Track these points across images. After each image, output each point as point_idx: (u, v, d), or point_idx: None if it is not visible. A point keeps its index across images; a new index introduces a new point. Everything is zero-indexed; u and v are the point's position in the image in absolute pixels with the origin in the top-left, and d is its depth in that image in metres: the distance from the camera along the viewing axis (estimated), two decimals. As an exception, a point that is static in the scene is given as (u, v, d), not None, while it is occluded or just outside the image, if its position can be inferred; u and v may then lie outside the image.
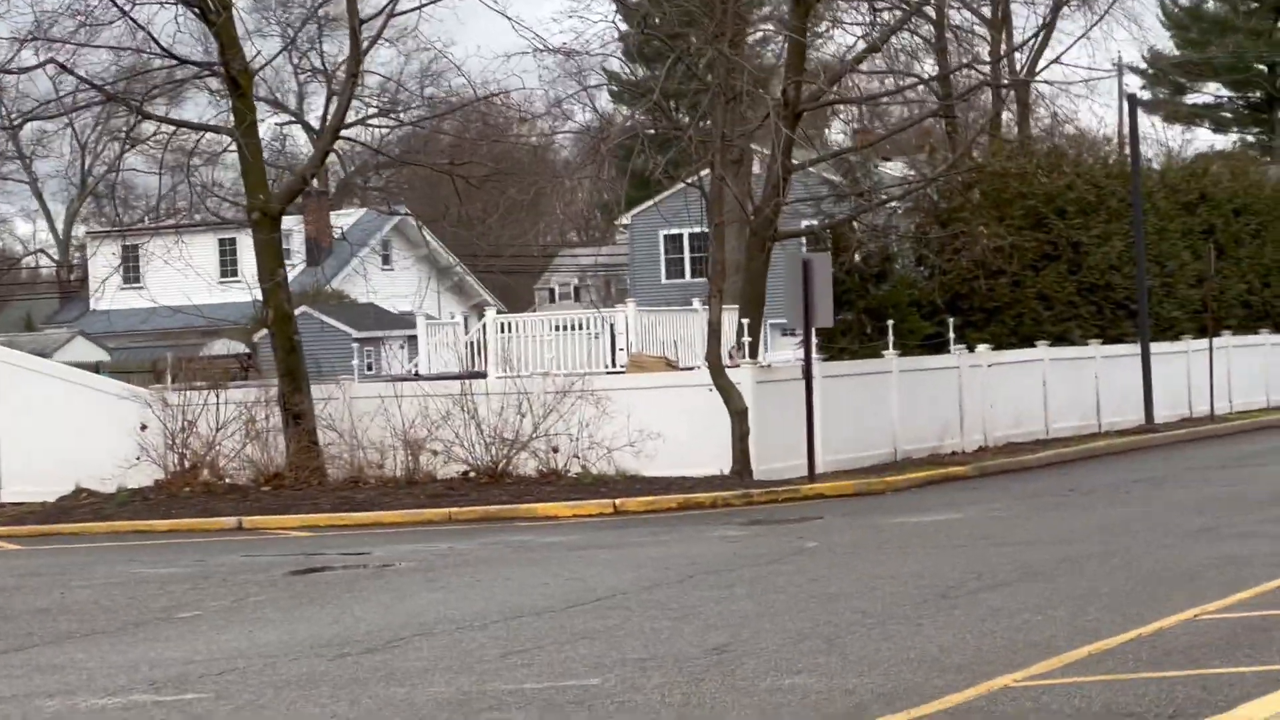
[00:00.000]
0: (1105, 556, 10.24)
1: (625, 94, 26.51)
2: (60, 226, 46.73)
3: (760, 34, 22.62)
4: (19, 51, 15.23)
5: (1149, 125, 34.54)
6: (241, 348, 27.89)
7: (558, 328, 18.77)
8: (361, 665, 6.96)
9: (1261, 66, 49.38)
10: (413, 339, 25.13)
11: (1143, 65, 46.89)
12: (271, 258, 15.77)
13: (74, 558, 13.84)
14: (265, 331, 19.08)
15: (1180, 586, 8.65)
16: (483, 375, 17.68)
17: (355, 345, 30.61)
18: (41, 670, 7.45)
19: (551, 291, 45.97)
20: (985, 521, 13.70)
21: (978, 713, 5.11)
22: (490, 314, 19.19)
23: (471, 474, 15.66)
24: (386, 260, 40.14)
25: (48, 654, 8.14)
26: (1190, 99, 51.03)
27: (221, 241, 37.47)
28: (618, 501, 14.26)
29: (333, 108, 19.82)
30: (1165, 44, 49.07)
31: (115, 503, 15.37)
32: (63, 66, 14.44)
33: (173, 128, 16.68)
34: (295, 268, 30.82)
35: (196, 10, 14.77)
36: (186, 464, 15.76)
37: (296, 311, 17.94)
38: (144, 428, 15.73)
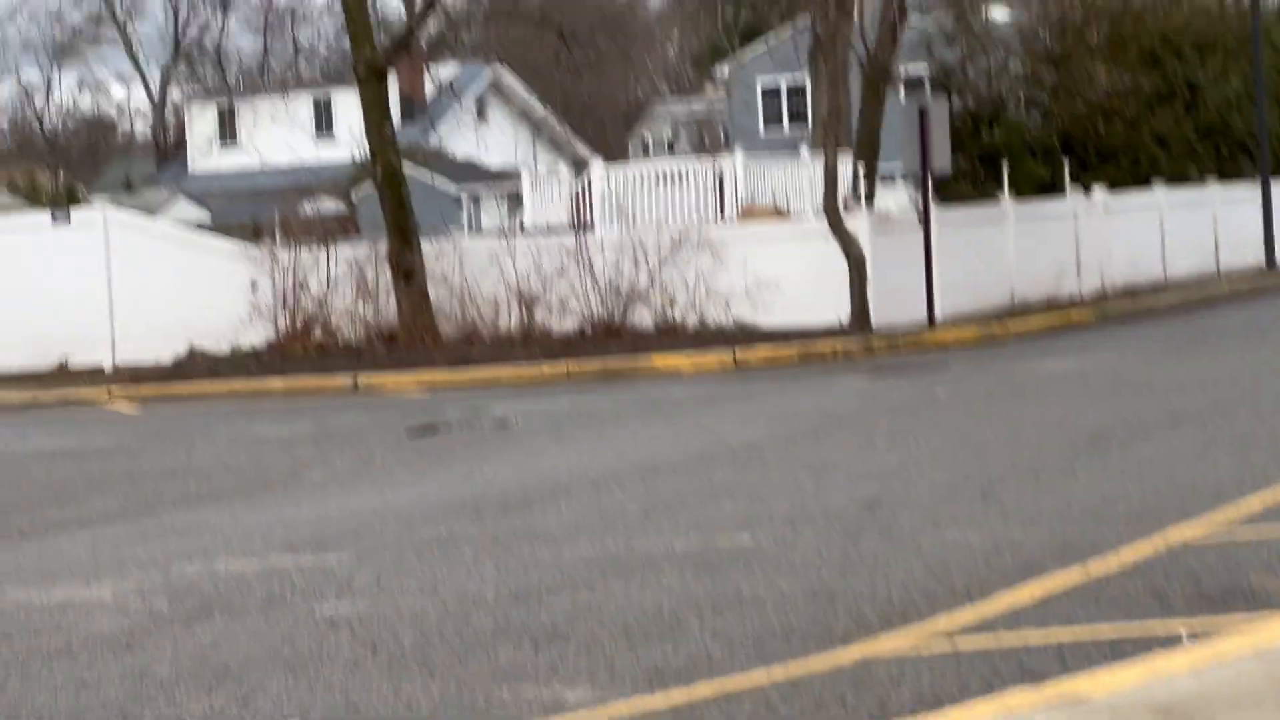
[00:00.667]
0: (1254, 401, 9.60)
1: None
2: (155, 89, 46.67)
3: None
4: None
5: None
6: (340, 207, 27.61)
7: (664, 178, 18.06)
8: (500, 525, 6.64)
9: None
10: (513, 195, 24.33)
11: None
12: (379, 113, 15.31)
13: (194, 419, 13.45)
14: (364, 190, 18.75)
15: None
16: (590, 228, 17.12)
17: (459, 200, 29.37)
18: (177, 532, 7.16)
19: (645, 145, 44.58)
20: (1120, 367, 13.05)
21: (1158, 569, 4.75)
22: (597, 165, 18.16)
23: (587, 328, 15.26)
24: (482, 115, 38.39)
25: (180, 516, 7.79)
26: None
27: (316, 101, 36.53)
28: (738, 353, 13.81)
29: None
30: None
31: (230, 363, 15.04)
32: None
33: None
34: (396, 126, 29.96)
35: None
36: (299, 323, 15.36)
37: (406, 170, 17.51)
38: (255, 286, 15.25)
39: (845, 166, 15.59)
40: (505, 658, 4.15)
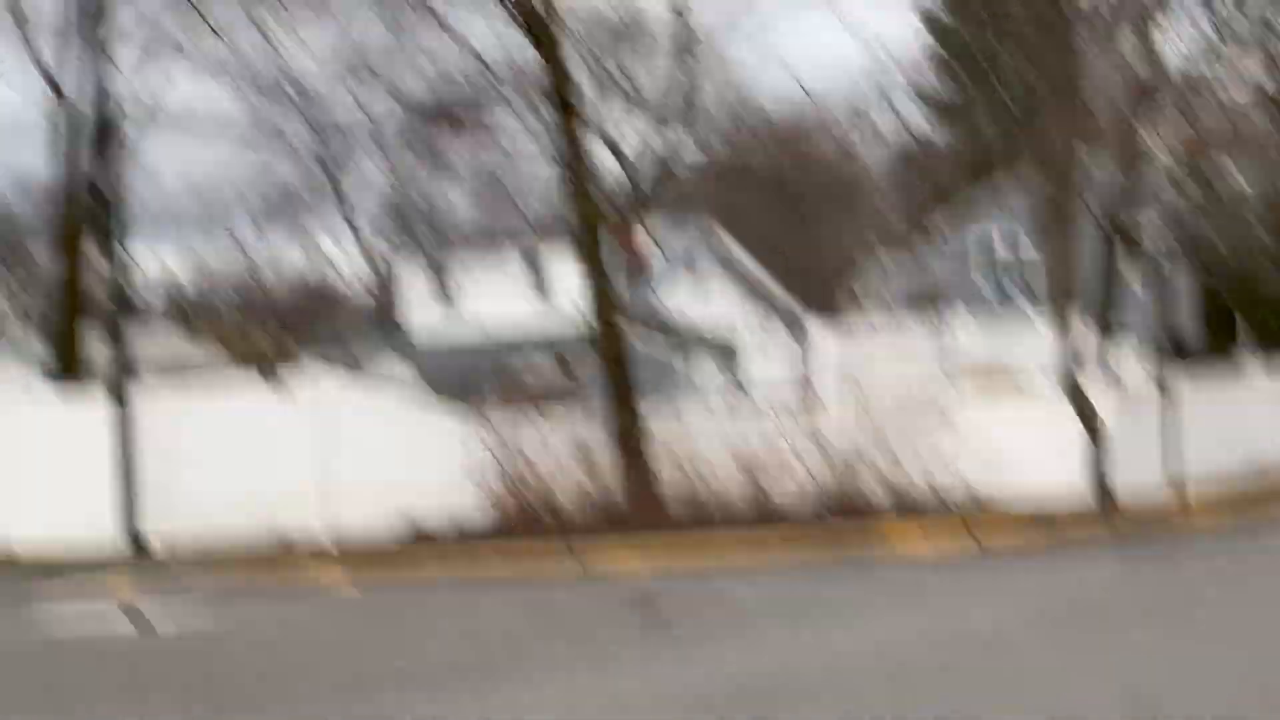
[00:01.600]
0: None
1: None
2: (367, 248, 48.04)
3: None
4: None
5: None
6: (557, 370, 27.57)
7: (889, 345, 18.10)
8: None
9: None
10: (725, 349, 25.00)
11: None
12: (602, 276, 15.02)
13: (407, 596, 12.94)
14: (580, 349, 18.27)
15: None
16: (814, 394, 17.00)
17: (677, 364, 28.62)
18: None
19: (858, 298, 43.58)
20: None
21: None
22: (820, 331, 18.49)
23: (814, 500, 14.30)
24: (695, 275, 36.98)
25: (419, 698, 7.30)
26: None
27: (532, 261, 34.77)
28: (977, 530, 13.10)
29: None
30: None
31: (448, 541, 14.51)
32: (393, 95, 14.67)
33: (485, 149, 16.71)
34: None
35: (533, 39, 14.68)
36: (520, 493, 14.60)
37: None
38: (475, 460, 14.55)
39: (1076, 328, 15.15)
40: None
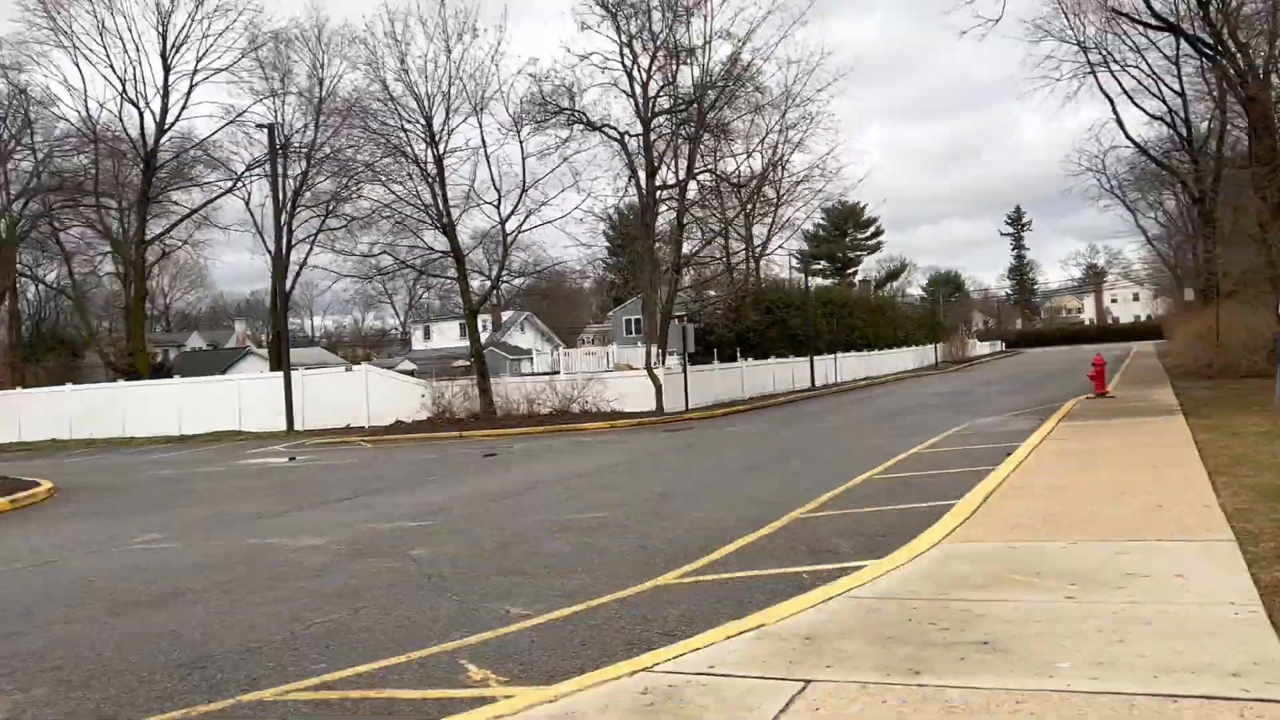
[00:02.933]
0: (826, 445, 18.56)
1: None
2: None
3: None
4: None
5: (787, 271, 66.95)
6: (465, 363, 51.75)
7: (587, 353, 40.08)
8: (508, 503, 12.51)
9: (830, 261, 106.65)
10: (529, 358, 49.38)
11: (803, 246, 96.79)
12: (475, 329, 34.47)
13: (393, 452, 24.41)
14: (471, 358, 40.04)
15: (857, 462, 15.08)
16: (557, 373, 37.66)
17: (512, 363, 55.20)
18: (365, 508, 13.31)
19: (582, 339, 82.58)
20: (763, 431, 23.49)
21: (785, 533, 9.48)
22: (561, 350, 40.57)
23: (554, 412, 32.84)
24: (521, 328, 79.04)
25: (370, 499, 14.64)
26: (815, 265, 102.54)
27: (460, 322, 69.09)
28: (614, 421, 29.41)
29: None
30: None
31: (411, 426, 33.20)
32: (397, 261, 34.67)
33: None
34: (485, 330, 63.50)
35: (439, 225, 34.22)
36: (439, 410, 33.57)
37: (486, 349, 37.95)
38: (423, 396, 33.93)
39: (653, 350, 36.03)
40: (490, 584, 8.04)
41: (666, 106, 35.51)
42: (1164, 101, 49.19)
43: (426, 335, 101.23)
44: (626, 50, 34.36)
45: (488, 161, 32.77)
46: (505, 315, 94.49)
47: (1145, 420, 19.15)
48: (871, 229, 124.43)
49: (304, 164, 45.25)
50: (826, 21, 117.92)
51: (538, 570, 9.02)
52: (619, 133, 35.00)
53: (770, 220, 62.52)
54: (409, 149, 33.24)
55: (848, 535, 9.84)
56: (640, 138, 34.89)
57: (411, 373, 46.56)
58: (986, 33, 39.89)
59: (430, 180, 33.01)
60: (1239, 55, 34.08)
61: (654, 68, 34.85)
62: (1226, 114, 43.71)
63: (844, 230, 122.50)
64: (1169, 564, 7.66)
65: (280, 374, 36.73)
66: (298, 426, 36.29)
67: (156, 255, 56.97)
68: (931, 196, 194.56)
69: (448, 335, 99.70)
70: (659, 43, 34.39)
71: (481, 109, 32.11)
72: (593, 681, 5.88)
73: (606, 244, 46.32)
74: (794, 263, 61.90)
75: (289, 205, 47.17)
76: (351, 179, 39.49)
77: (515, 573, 8.93)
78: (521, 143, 32.39)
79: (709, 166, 39.21)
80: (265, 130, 37.24)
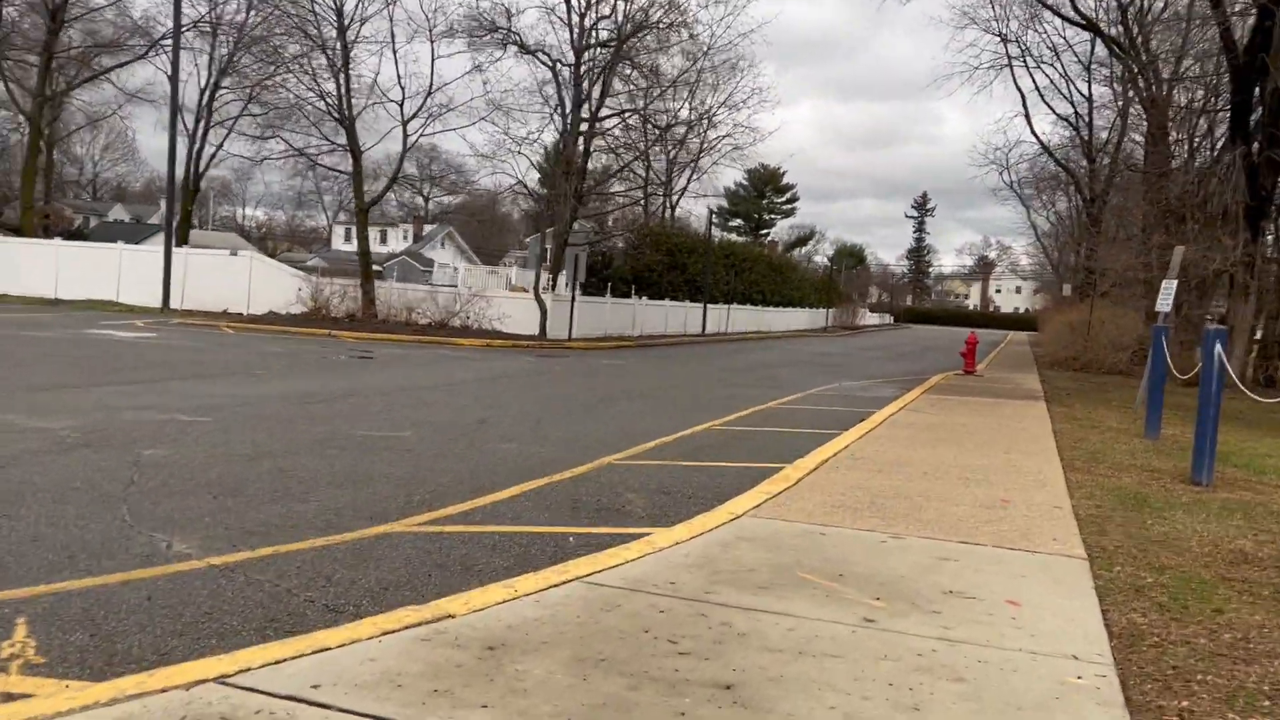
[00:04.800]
0: (686, 388, 17.13)
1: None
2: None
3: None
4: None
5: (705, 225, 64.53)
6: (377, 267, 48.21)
7: (490, 272, 37.14)
8: (309, 409, 10.77)
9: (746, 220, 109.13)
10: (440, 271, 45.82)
11: (722, 203, 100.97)
12: (363, 225, 31.50)
13: (250, 339, 22.16)
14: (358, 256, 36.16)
15: (708, 409, 13.74)
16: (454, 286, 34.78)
17: (419, 272, 52.30)
18: (155, 394, 11.63)
19: (506, 263, 79.95)
20: (634, 367, 21.91)
21: (585, 481, 7.92)
22: (463, 266, 37.45)
23: (432, 324, 30.70)
24: (442, 243, 78.76)
25: (172, 385, 12.70)
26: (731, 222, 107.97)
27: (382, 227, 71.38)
28: (491, 341, 26.92)
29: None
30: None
31: (284, 318, 31.39)
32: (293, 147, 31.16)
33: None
34: (406, 240, 65.39)
35: (337, 117, 30.90)
36: (317, 306, 30.45)
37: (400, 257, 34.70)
38: (301, 290, 31.04)
39: (545, 275, 33.45)
40: (184, 506, 6.44)
41: (602, 39, 32.68)
42: (1072, 104, 47.98)
43: (347, 236, 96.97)
44: None
45: (394, 57, 29.39)
46: (427, 228, 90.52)
47: (1007, 402, 17.42)
48: (788, 195, 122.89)
49: (230, 44, 41.07)
50: None
51: (260, 494, 7.10)
52: (551, 60, 32.05)
53: (690, 171, 60.44)
54: (318, 33, 29.70)
55: (650, 491, 8.17)
56: (571, 68, 31.98)
57: (316, 270, 43.27)
58: None
59: (335, 70, 29.62)
60: (1149, 66, 32.48)
61: None
62: (1127, 121, 42.47)
63: (762, 193, 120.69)
64: (1003, 583, 5.61)
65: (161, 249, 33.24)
66: (175, 305, 33.07)
67: (54, 114, 52.10)
68: (852, 174, 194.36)
69: (371, 240, 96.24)
70: None
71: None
72: (133, 691, 3.55)
73: (538, 174, 44.02)
74: (712, 215, 59.73)
75: (211, 85, 43.23)
76: (269, 64, 35.67)
77: (232, 493, 7.05)
78: (432, 42, 29.12)
79: (638, 108, 36.97)
80: (171, -6, 33.06)
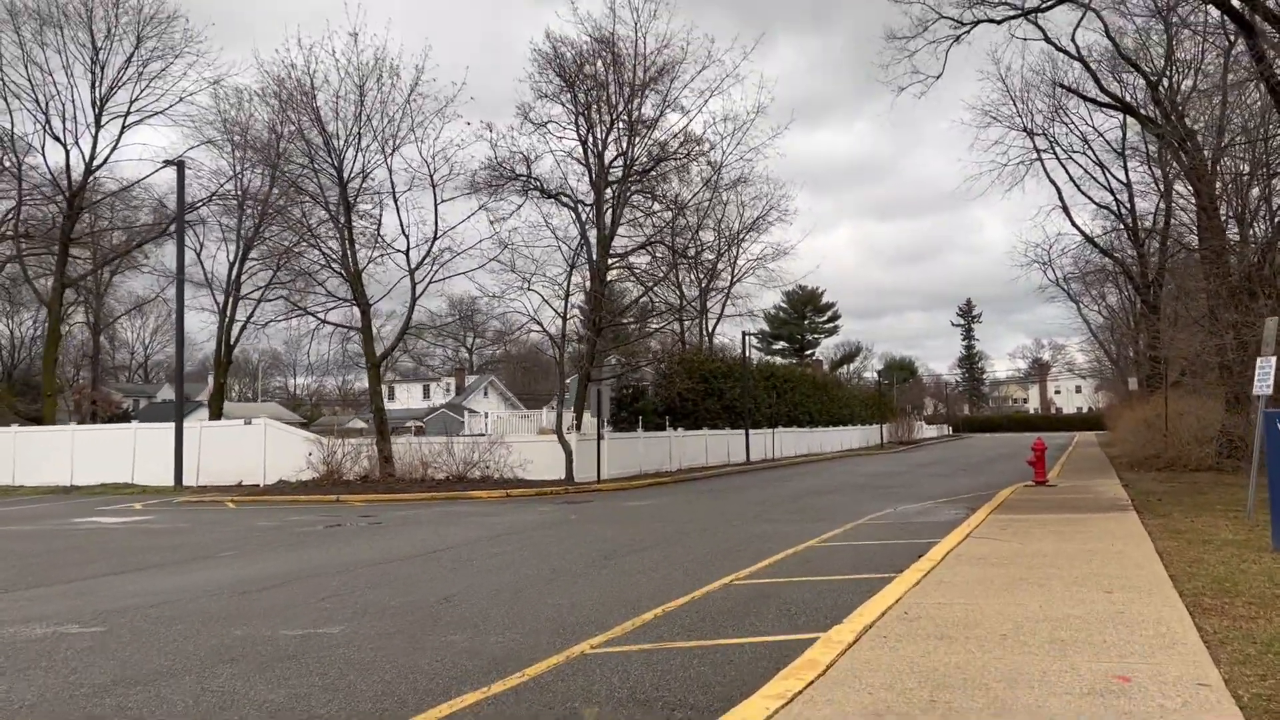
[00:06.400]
0: (712, 531, 14.91)
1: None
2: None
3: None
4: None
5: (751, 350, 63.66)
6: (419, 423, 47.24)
7: (522, 417, 35.55)
8: (236, 601, 9.42)
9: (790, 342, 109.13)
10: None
11: (763, 326, 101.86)
12: (375, 380, 29.17)
13: (249, 513, 20.58)
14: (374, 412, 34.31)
15: (733, 556, 11.82)
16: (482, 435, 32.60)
17: (459, 424, 51.71)
18: (73, 595, 10.22)
19: (551, 407, 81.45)
20: (661, 508, 19.65)
21: (546, 687, 6.15)
22: (494, 414, 35.91)
23: (450, 478, 27.04)
24: (485, 392, 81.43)
25: (102, 581, 11.28)
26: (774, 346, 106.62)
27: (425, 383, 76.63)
28: (511, 491, 24.52)
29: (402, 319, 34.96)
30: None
31: (294, 487, 28.27)
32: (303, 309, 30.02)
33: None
34: (449, 394, 70.19)
35: (342, 274, 29.60)
36: (330, 470, 27.93)
37: (438, 411, 32.98)
38: (311, 455, 28.51)
39: (569, 415, 31.38)
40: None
41: (619, 176, 31.75)
42: (1110, 191, 45.96)
43: (390, 395, 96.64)
44: (582, 119, 30.55)
45: (396, 206, 28.36)
46: (469, 379, 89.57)
47: (1090, 518, 14.75)
48: (829, 313, 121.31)
49: (257, 216, 40.83)
50: (810, 130, 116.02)
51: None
52: (573, 200, 30.97)
53: (724, 296, 58.95)
54: (320, 194, 28.90)
55: (619, 702, 5.90)
56: (590, 206, 30.91)
57: (357, 431, 41.87)
58: (926, 90, 35.92)
59: (340, 225, 28.65)
60: (1187, 139, 30.48)
61: (609, 137, 31.06)
62: (1172, 202, 40.21)
63: (803, 314, 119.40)
64: None
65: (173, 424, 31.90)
66: (192, 481, 31.51)
67: (75, 299, 52.44)
68: (895, 289, 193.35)
69: (414, 395, 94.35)
70: (615, 115, 30.60)
71: (393, 151, 27.87)
72: None
73: (551, 311, 42.72)
74: (749, 338, 58.00)
75: (240, 257, 43.09)
76: (290, 231, 35.08)
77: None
78: (434, 186, 28.09)
79: (663, 239, 35.85)
80: (175, 168, 32.76)
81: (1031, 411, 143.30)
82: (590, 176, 31.31)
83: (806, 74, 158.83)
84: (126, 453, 33.42)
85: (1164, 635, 6.70)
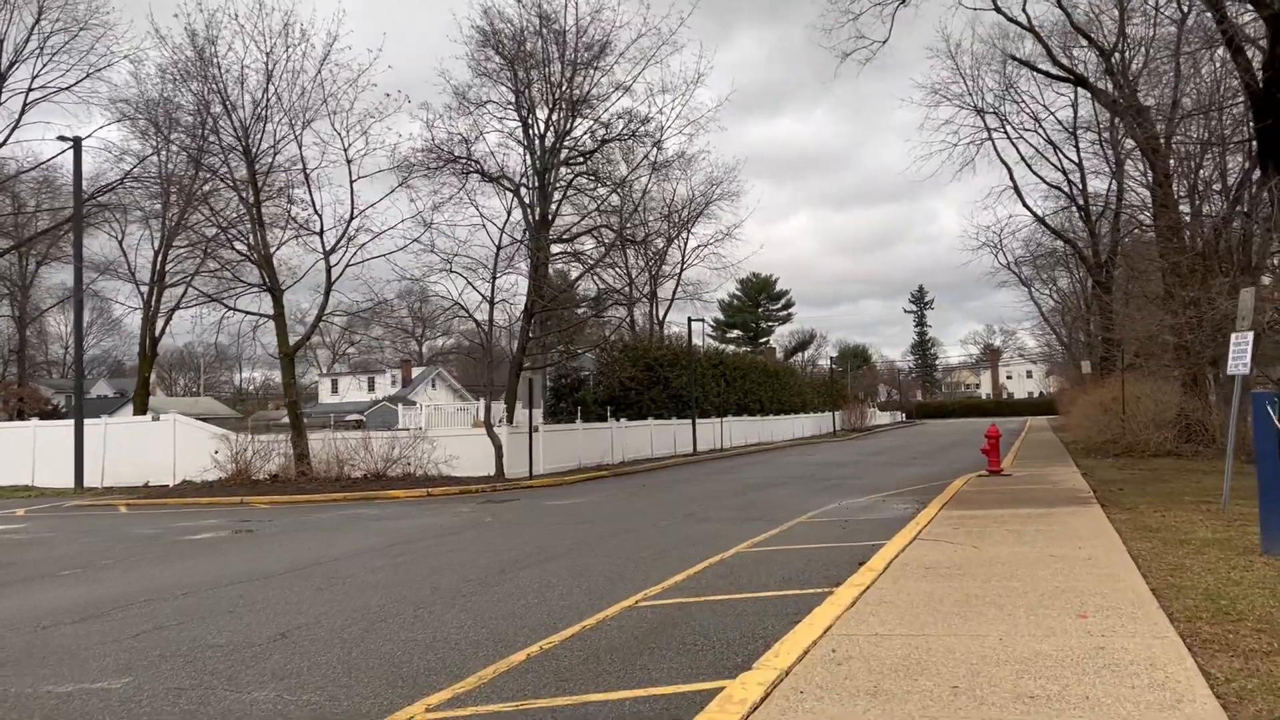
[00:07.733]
0: (636, 534, 13.39)
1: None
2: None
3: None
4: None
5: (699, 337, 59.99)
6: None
7: (460, 408, 33.36)
8: (46, 636, 8.03)
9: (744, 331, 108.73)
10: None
11: (717, 315, 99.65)
12: (288, 372, 27.19)
13: (134, 519, 19.05)
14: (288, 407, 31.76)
15: (649, 566, 10.52)
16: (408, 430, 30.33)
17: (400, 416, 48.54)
18: None
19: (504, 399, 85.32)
20: (587, 506, 18.39)
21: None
22: (428, 405, 33.80)
23: (367, 476, 25.55)
24: (433, 384, 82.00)
25: None
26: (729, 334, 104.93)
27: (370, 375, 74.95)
28: (432, 489, 23.00)
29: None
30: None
31: (196, 488, 25.66)
32: (208, 297, 27.68)
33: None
34: (394, 385, 67.25)
35: (250, 258, 27.42)
36: (239, 468, 25.93)
37: (380, 404, 30.82)
38: (217, 452, 26.38)
39: (499, 406, 29.44)
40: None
41: (563, 158, 29.89)
42: (1061, 171, 44.98)
43: (334, 389, 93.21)
44: (523, 98, 28.62)
45: (308, 183, 26.19)
46: (416, 371, 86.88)
47: (1051, 513, 13.24)
48: (783, 300, 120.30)
49: (182, 202, 38.20)
50: (774, 118, 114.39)
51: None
52: (515, 184, 28.98)
53: (675, 284, 57.16)
54: (228, 171, 26.70)
55: None
56: (533, 191, 29.02)
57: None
58: (872, 55, 34.45)
59: (249, 205, 26.49)
60: (1140, 113, 29.26)
61: (551, 118, 29.15)
62: (1124, 181, 39.18)
63: (757, 301, 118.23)
64: None
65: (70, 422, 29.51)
66: (96, 483, 29.37)
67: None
68: (852, 278, 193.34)
69: (359, 390, 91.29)
70: (557, 96, 28.71)
71: (304, 125, 25.73)
72: None
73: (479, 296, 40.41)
74: (702, 324, 56.34)
75: (164, 245, 40.58)
76: (197, 212, 32.73)
77: None
78: (349, 161, 25.99)
79: (608, 223, 34.05)
80: (72, 144, 30.23)
81: (984, 397, 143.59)
82: (531, 159, 29.42)
83: (765, 64, 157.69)
84: (26, 453, 30.97)
85: (1162, 685, 5.07)
